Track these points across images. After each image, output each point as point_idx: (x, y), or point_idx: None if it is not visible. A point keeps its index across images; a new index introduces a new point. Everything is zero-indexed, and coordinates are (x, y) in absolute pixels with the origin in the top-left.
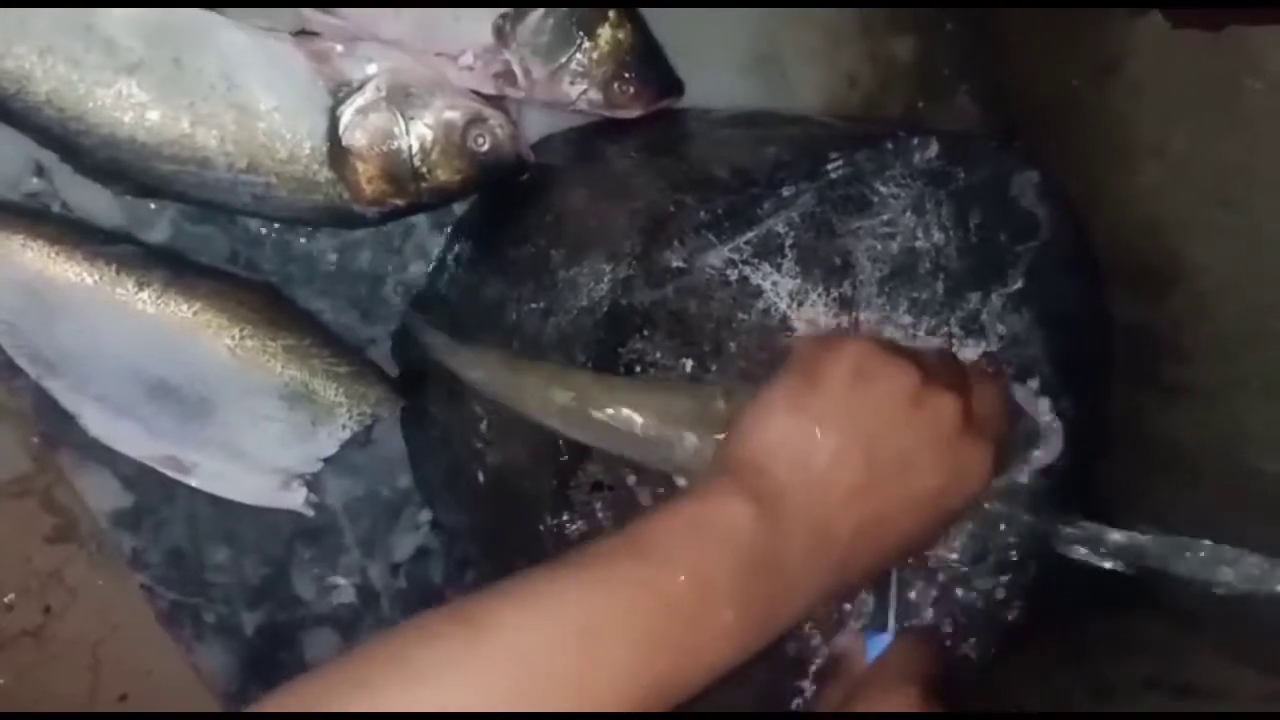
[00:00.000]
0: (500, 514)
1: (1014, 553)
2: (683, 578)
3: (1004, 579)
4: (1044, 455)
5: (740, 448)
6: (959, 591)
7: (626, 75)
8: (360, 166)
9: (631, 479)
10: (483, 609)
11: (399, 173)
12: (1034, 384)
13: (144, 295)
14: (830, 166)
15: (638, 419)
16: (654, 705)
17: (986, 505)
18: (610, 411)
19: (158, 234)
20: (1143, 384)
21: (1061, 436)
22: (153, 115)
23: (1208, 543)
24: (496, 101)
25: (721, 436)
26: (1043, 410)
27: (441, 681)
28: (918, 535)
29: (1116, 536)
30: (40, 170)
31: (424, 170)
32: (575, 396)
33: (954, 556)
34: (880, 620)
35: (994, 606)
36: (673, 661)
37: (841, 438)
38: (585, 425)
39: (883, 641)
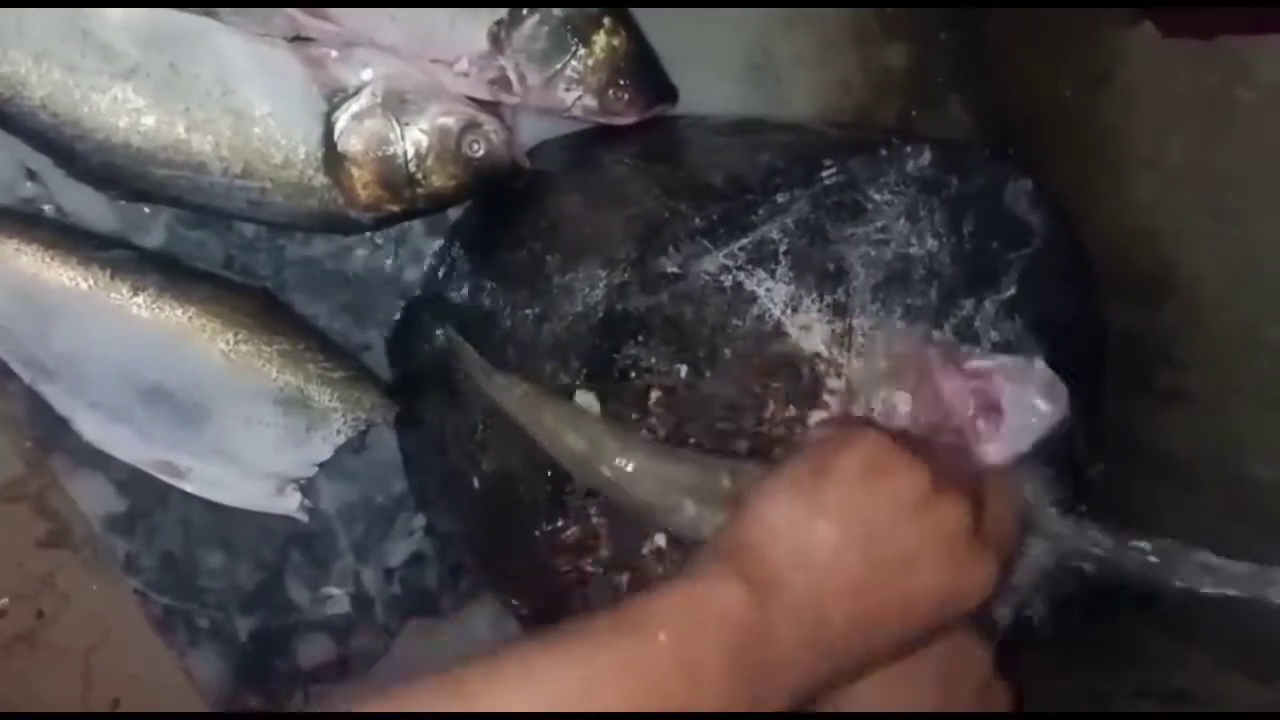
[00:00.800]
0: (494, 520)
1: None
2: (672, 660)
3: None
4: (1047, 408)
5: (742, 531)
6: None
7: (621, 82)
8: (355, 172)
9: None
10: (475, 681)
11: (394, 178)
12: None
13: (139, 300)
14: (824, 174)
15: (643, 481)
16: None
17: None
18: (619, 466)
19: (153, 239)
20: (1136, 392)
21: (1064, 390)
22: (148, 120)
23: (1201, 550)
24: (491, 108)
25: (721, 515)
26: (1039, 369)
27: None
28: (912, 635)
29: (1110, 543)
30: (35, 175)
31: (419, 176)
32: (588, 446)
33: None
34: None
35: (986, 614)
36: None
37: (844, 532)
38: (592, 473)
39: None
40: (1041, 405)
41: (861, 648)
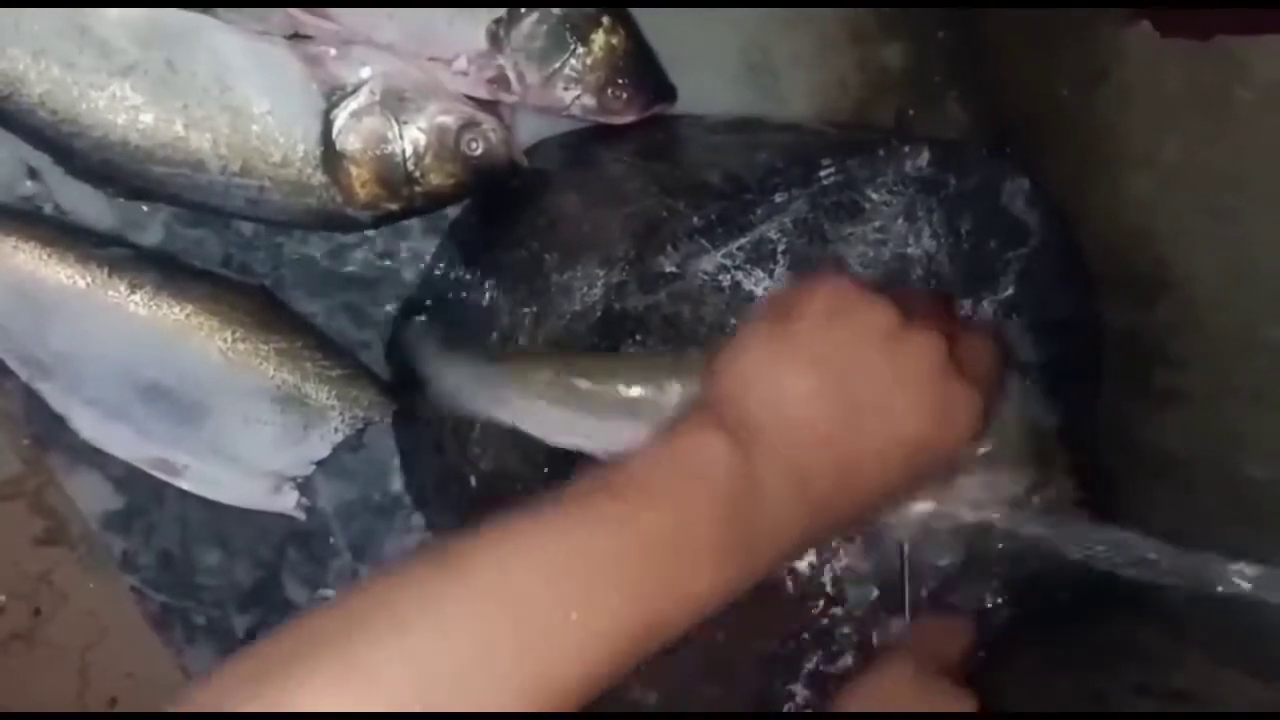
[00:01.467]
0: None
1: (1002, 558)
2: (662, 515)
3: (993, 584)
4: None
5: (715, 385)
6: (948, 597)
7: (620, 81)
8: (354, 170)
9: None
10: (464, 552)
11: (392, 177)
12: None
13: (136, 298)
14: (822, 173)
15: (620, 379)
16: (641, 645)
17: (980, 514)
18: (594, 378)
19: (150, 236)
20: (1133, 391)
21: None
22: (146, 118)
23: (1198, 549)
24: (490, 106)
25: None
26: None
27: (429, 626)
28: (899, 478)
29: (1106, 541)
30: (33, 173)
31: (417, 174)
32: (556, 371)
33: (943, 562)
34: (893, 602)
35: (983, 612)
36: (657, 600)
37: (817, 375)
38: (569, 400)
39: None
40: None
41: (848, 492)
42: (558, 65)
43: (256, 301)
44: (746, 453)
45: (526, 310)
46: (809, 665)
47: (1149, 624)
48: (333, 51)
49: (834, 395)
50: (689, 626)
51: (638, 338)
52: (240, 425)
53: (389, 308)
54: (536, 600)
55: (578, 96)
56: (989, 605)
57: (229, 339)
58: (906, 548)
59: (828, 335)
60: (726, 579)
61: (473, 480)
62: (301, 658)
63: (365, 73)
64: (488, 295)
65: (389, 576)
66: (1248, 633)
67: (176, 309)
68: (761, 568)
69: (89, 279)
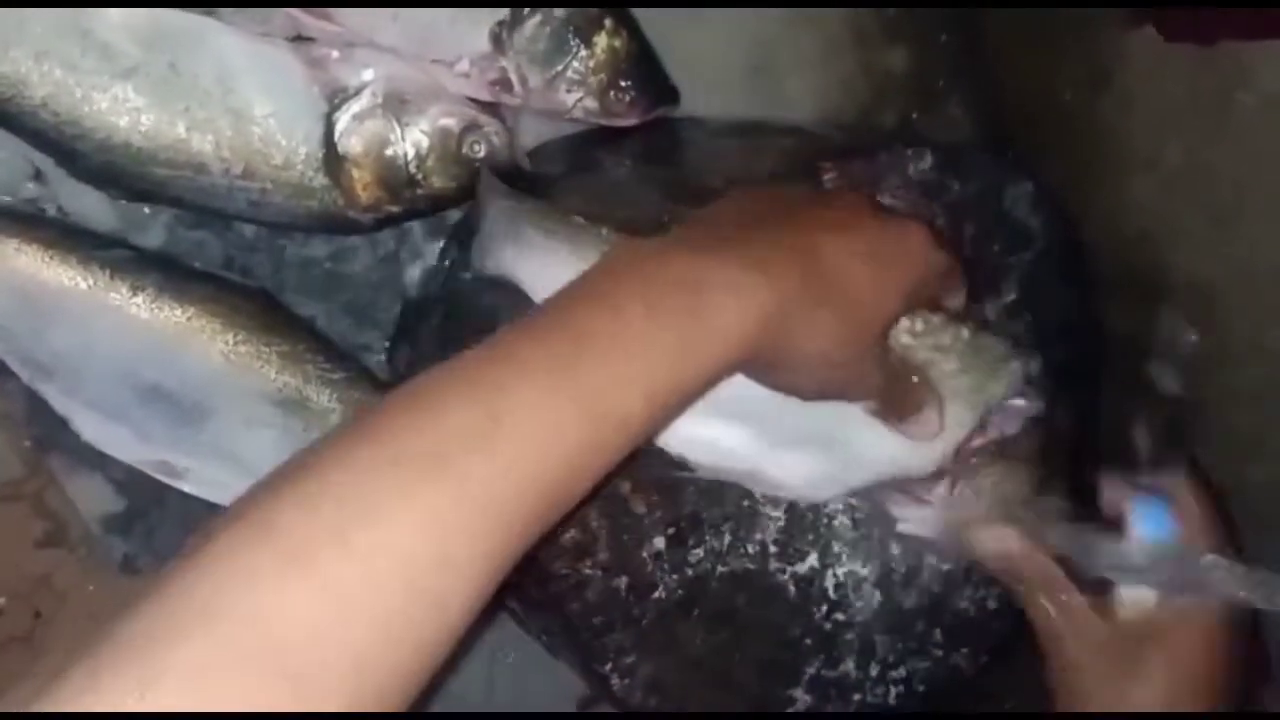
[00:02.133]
0: None
1: None
2: (627, 313)
3: (995, 588)
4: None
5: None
6: (950, 600)
7: (622, 84)
8: (356, 173)
9: (625, 486)
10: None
11: (394, 179)
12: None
13: (138, 300)
14: (825, 177)
15: None
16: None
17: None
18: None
19: (152, 239)
20: (1135, 394)
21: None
22: (148, 120)
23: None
24: (492, 109)
25: None
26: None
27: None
28: (873, 285)
29: (1108, 545)
30: (36, 174)
31: (419, 177)
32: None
33: (946, 566)
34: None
35: (986, 616)
36: (615, 413)
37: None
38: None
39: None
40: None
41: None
42: (560, 68)
43: (258, 304)
44: (704, 262)
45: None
46: (810, 670)
47: None
48: (335, 54)
49: (788, 233)
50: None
51: None
52: (242, 428)
53: (391, 311)
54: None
55: (580, 99)
56: (992, 607)
57: (231, 341)
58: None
59: (770, 201)
60: (675, 374)
61: None
62: (220, 526)
63: (367, 75)
64: (489, 298)
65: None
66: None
67: (178, 311)
68: (714, 356)
69: (90, 281)
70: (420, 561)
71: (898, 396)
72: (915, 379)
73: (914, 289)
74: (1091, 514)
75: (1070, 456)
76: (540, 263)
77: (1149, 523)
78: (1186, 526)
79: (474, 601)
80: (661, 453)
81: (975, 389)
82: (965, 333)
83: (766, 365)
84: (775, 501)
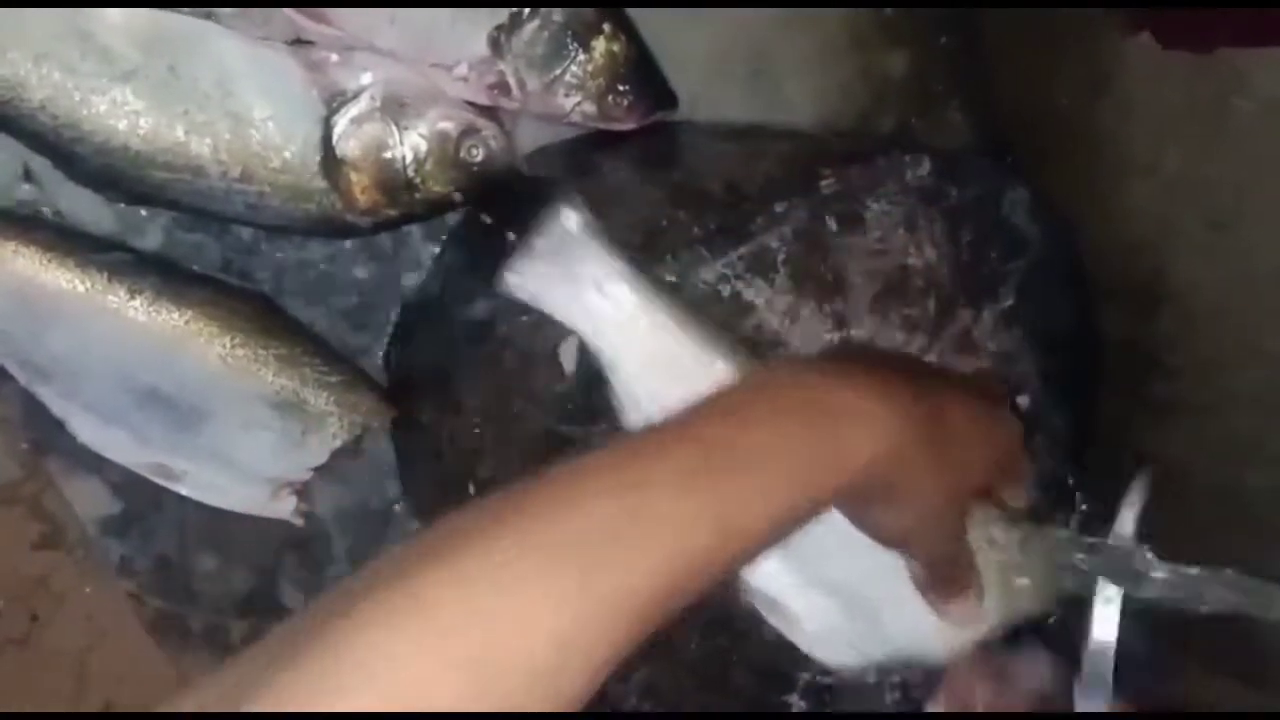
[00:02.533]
0: None
1: None
2: (751, 433)
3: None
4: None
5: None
6: None
7: (621, 88)
8: (354, 176)
9: None
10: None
11: (392, 183)
12: (1024, 400)
13: (135, 303)
14: (823, 183)
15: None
16: (714, 556)
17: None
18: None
19: (150, 241)
20: (1132, 401)
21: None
22: (147, 123)
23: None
24: (491, 113)
25: None
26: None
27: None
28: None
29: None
30: (33, 176)
31: (417, 180)
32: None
33: None
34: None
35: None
36: (727, 515)
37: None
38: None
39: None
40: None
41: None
42: (559, 71)
43: (256, 307)
44: (834, 381)
45: (525, 317)
46: (805, 676)
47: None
48: (334, 57)
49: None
50: (767, 538)
51: None
52: (239, 431)
53: (389, 315)
54: (609, 537)
55: (578, 103)
56: None
57: (228, 344)
58: None
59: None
60: (793, 497)
61: (471, 487)
62: (362, 595)
63: (366, 79)
64: (487, 303)
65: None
66: (1241, 637)
67: (176, 314)
68: (833, 481)
69: (88, 284)
70: (542, 640)
71: (948, 571)
72: (968, 563)
73: (996, 471)
74: (1089, 521)
75: (1067, 462)
76: (589, 317)
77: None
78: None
79: (585, 688)
80: None
81: (1012, 594)
82: (1018, 534)
83: (864, 498)
84: None
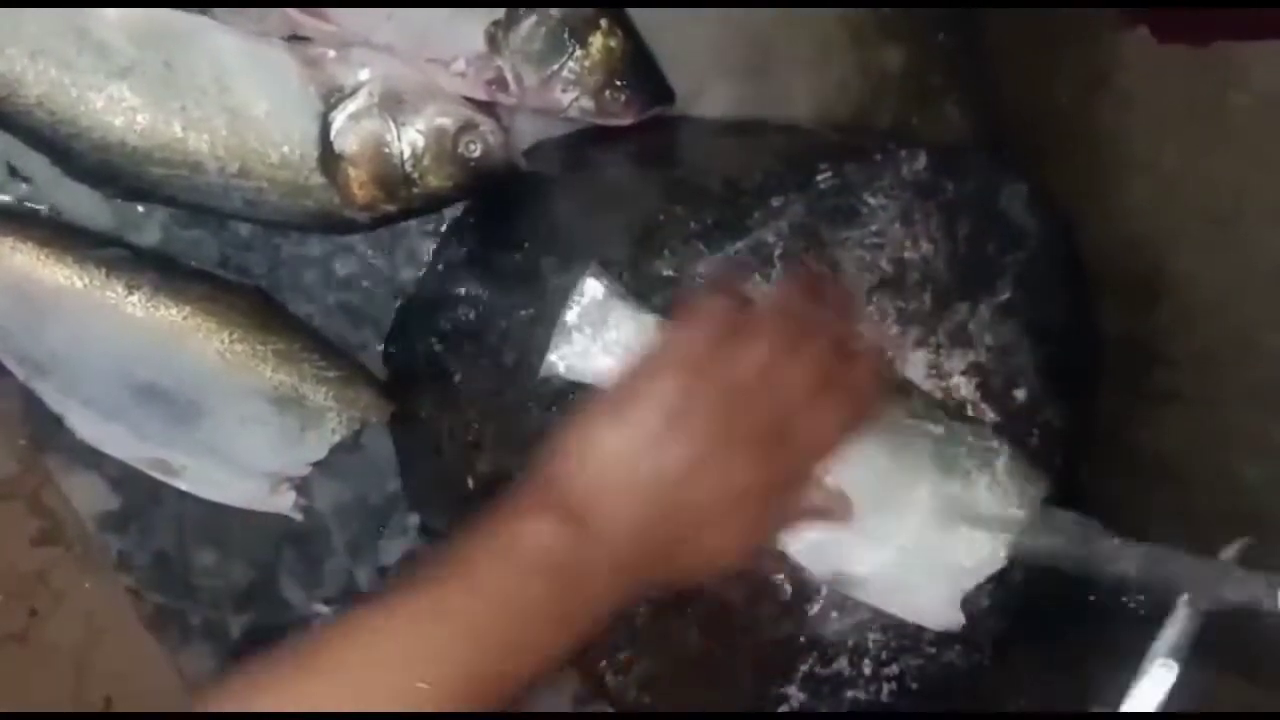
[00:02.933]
0: None
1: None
2: (490, 607)
3: (989, 588)
4: None
5: (551, 462)
6: None
7: (618, 83)
8: (352, 172)
9: None
10: (311, 654)
11: (390, 178)
12: (1020, 394)
13: (133, 299)
14: (820, 178)
15: None
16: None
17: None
18: None
19: (148, 237)
20: (1130, 395)
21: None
22: (144, 119)
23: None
24: (488, 108)
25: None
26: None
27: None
28: (742, 532)
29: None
30: (30, 173)
31: (415, 176)
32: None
33: None
34: None
35: (980, 615)
36: (491, 681)
37: (649, 461)
38: None
39: None
40: None
41: (680, 563)
42: (556, 67)
43: (254, 302)
44: (574, 536)
45: (524, 313)
46: (803, 668)
47: (1142, 630)
48: (331, 53)
49: (661, 479)
50: (528, 683)
51: None
52: (237, 426)
53: (387, 310)
54: (377, 698)
55: (576, 98)
56: (985, 604)
57: (226, 340)
58: None
59: (661, 410)
60: (557, 651)
61: (470, 482)
62: None
63: (363, 74)
64: (485, 297)
65: (257, 673)
66: (1240, 634)
67: (174, 310)
68: (594, 628)
69: (86, 279)
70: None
71: (812, 509)
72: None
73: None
74: (1086, 513)
75: (1066, 456)
76: None
77: None
78: None
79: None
80: None
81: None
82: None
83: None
84: None
